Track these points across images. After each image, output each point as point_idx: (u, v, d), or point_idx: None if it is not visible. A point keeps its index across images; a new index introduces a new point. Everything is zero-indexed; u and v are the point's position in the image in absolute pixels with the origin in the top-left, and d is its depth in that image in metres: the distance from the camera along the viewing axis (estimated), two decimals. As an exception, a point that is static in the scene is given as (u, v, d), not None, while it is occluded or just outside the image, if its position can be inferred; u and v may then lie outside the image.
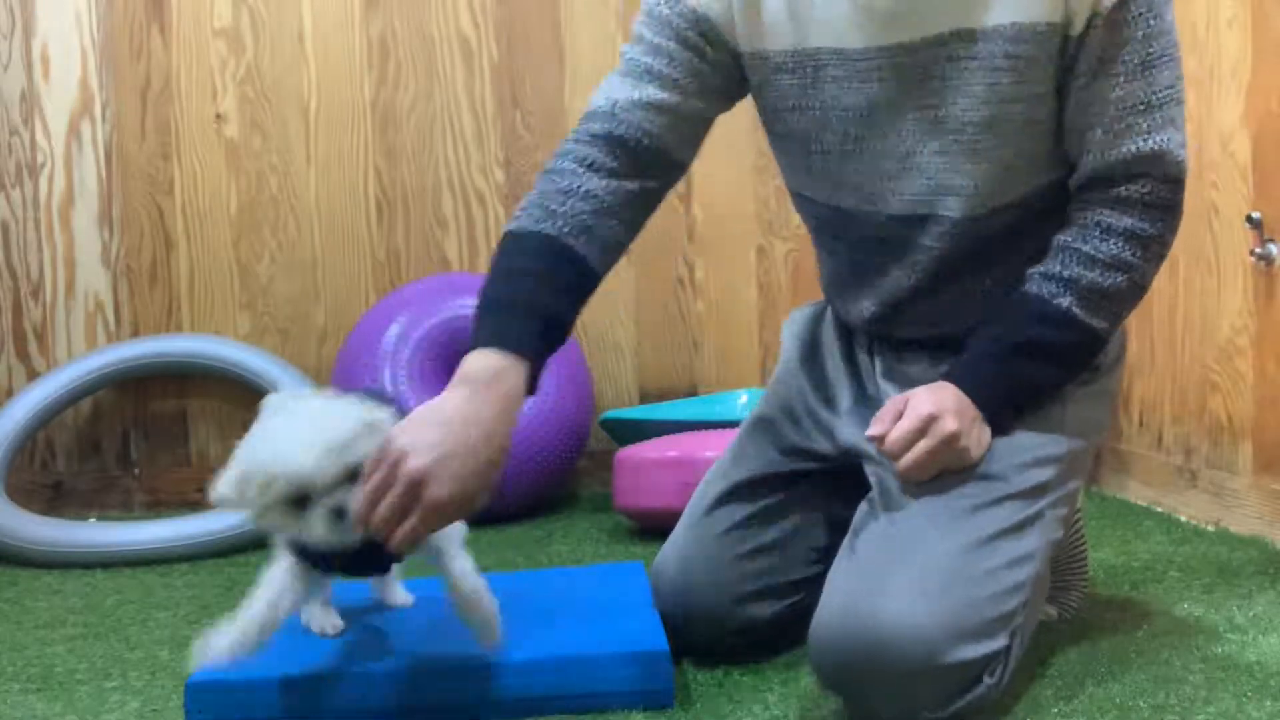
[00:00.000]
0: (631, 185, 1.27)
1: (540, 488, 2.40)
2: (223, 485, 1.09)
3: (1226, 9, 1.98)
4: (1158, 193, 1.27)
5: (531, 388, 1.19)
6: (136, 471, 2.66)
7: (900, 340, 1.38)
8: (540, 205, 1.25)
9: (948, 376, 1.24)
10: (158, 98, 2.64)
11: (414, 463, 1.08)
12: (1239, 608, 1.52)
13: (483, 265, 2.70)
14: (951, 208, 1.26)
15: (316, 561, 1.16)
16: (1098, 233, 1.24)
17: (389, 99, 2.67)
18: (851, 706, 1.18)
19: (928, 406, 1.19)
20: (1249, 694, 1.21)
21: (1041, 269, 1.25)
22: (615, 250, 1.28)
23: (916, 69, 1.23)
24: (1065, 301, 1.23)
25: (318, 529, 1.08)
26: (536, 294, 1.20)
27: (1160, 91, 1.25)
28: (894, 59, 1.23)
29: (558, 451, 2.39)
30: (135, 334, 2.65)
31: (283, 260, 2.67)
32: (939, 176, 1.26)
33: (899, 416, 1.21)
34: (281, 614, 1.13)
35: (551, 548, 2.12)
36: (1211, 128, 2.03)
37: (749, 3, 1.27)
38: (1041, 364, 1.25)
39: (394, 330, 2.39)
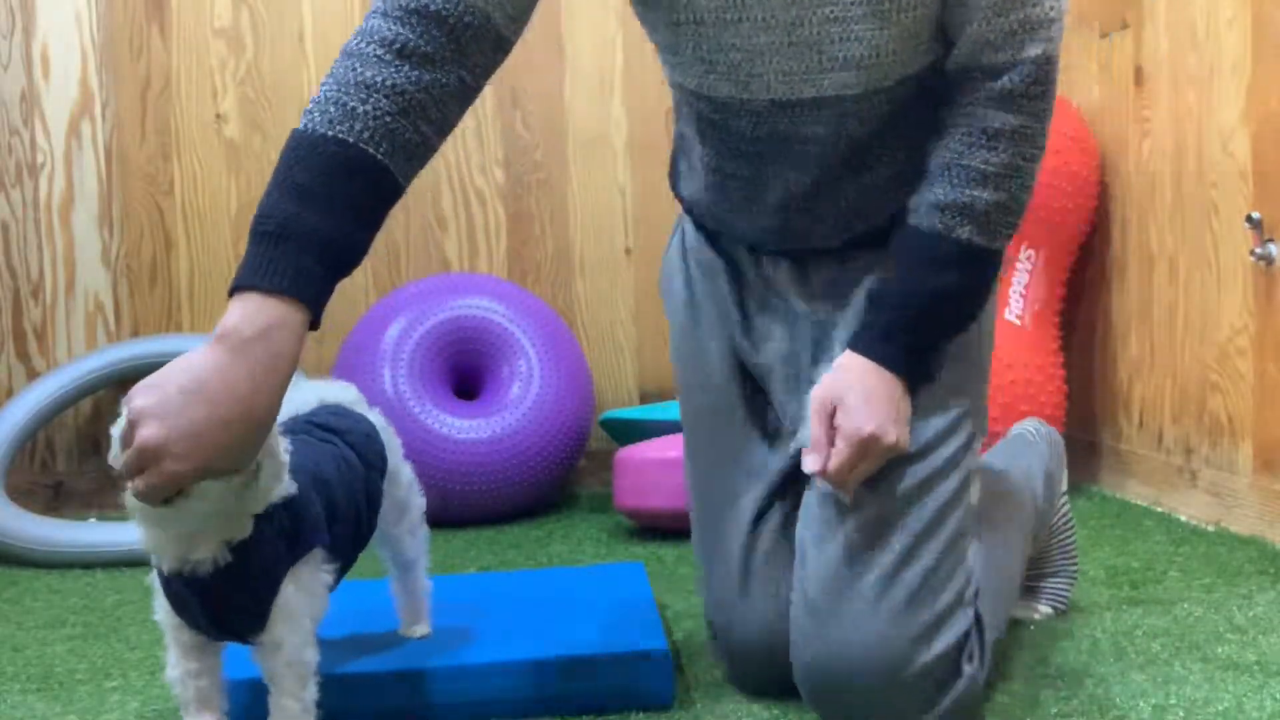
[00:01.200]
0: (447, 77, 1.06)
1: (540, 488, 2.40)
2: (111, 451, 0.98)
3: (1226, 9, 1.98)
4: (1037, 76, 1.13)
5: (314, 325, 1.00)
6: (136, 471, 2.65)
7: (803, 253, 1.29)
8: (337, 101, 1.03)
9: (862, 350, 1.18)
10: (158, 98, 2.64)
11: (147, 432, 0.92)
12: (1239, 608, 1.53)
13: (483, 265, 2.70)
14: (849, 84, 1.14)
15: (184, 616, 1.05)
16: (984, 140, 1.15)
17: (389, 99, 2.67)
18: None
19: (865, 424, 1.14)
20: (1249, 694, 1.21)
21: (932, 197, 1.17)
22: (423, 157, 1.08)
23: None
24: (965, 233, 1.16)
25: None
26: (323, 219, 0.99)
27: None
28: None
29: (558, 451, 2.39)
30: (135, 334, 2.65)
31: (283, 260, 2.66)
32: (831, 48, 1.12)
33: (830, 432, 1.17)
34: (195, 686, 1.06)
35: (551, 548, 2.12)
36: (1211, 128, 2.03)
37: None
38: (954, 307, 1.19)
39: (394, 330, 2.39)
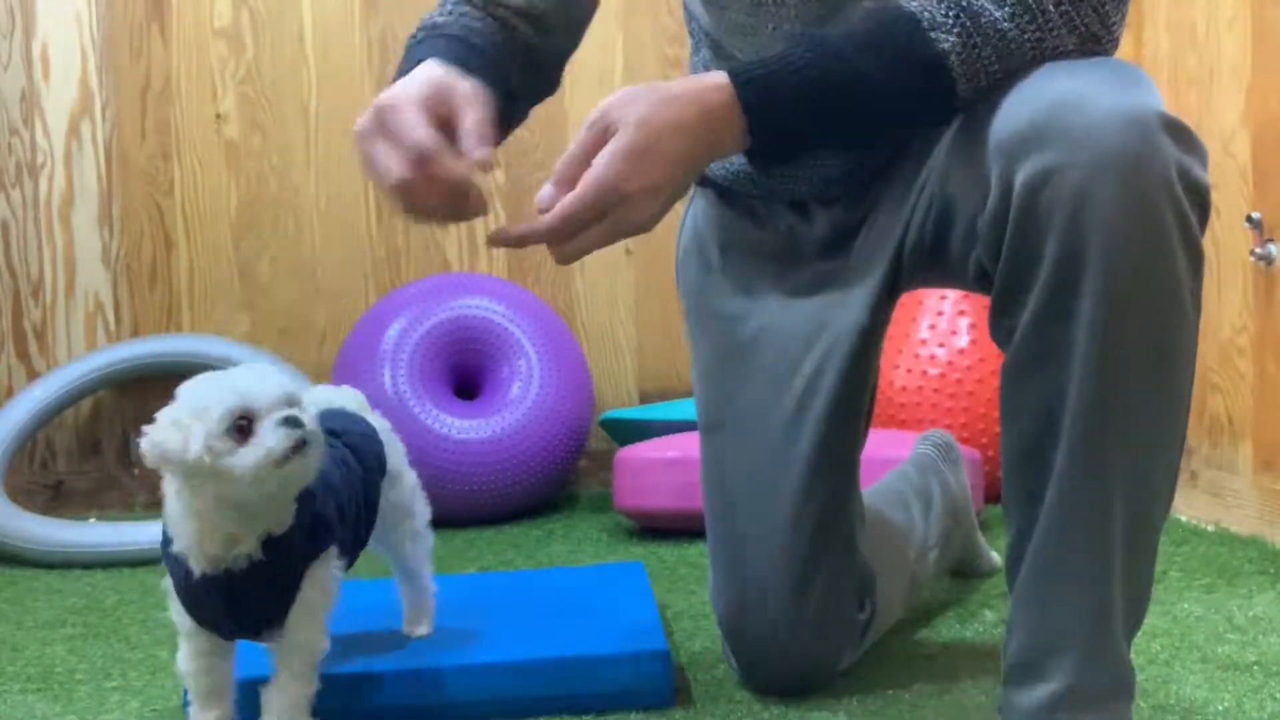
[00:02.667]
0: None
1: (540, 488, 2.40)
2: (157, 432, 1.01)
3: (1226, 9, 1.98)
4: None
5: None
6: (136, 471, 2.65)
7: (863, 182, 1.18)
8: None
9: (735, 74, 0.95)
10: (158, 98, 2.64)
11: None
12: (1239, 608, 1.52)
13: (483, 265, 2.70)
14: None
15: (204, 618, 1.08)
16: None
17: (389, 99, 2.67)
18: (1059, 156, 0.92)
19: (625, 182, 0.91)
20: (1249, 694, 1.21)
21: None
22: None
23: None
24: (946, 43, 0.95)
25: (268, 439, 0.99)
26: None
27: None
28: None
29: (558, 451, 2.39)
30: (135, 334, 2.64)
31: (283, 260, 2.67)
32: None
33: (583, 166, 0.93)
34: (209, 680, 1.09)
35: (551, 548, 2.12)
36: (1211, 128, 2.03)
37: None
38: (864, 113, 0.97)
39: (394, 330, 2.39)
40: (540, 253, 2.72)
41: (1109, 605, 0.97)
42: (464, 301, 2.43)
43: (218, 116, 2.65)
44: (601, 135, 0.93)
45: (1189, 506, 2.11)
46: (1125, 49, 2.30)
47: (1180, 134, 0.91)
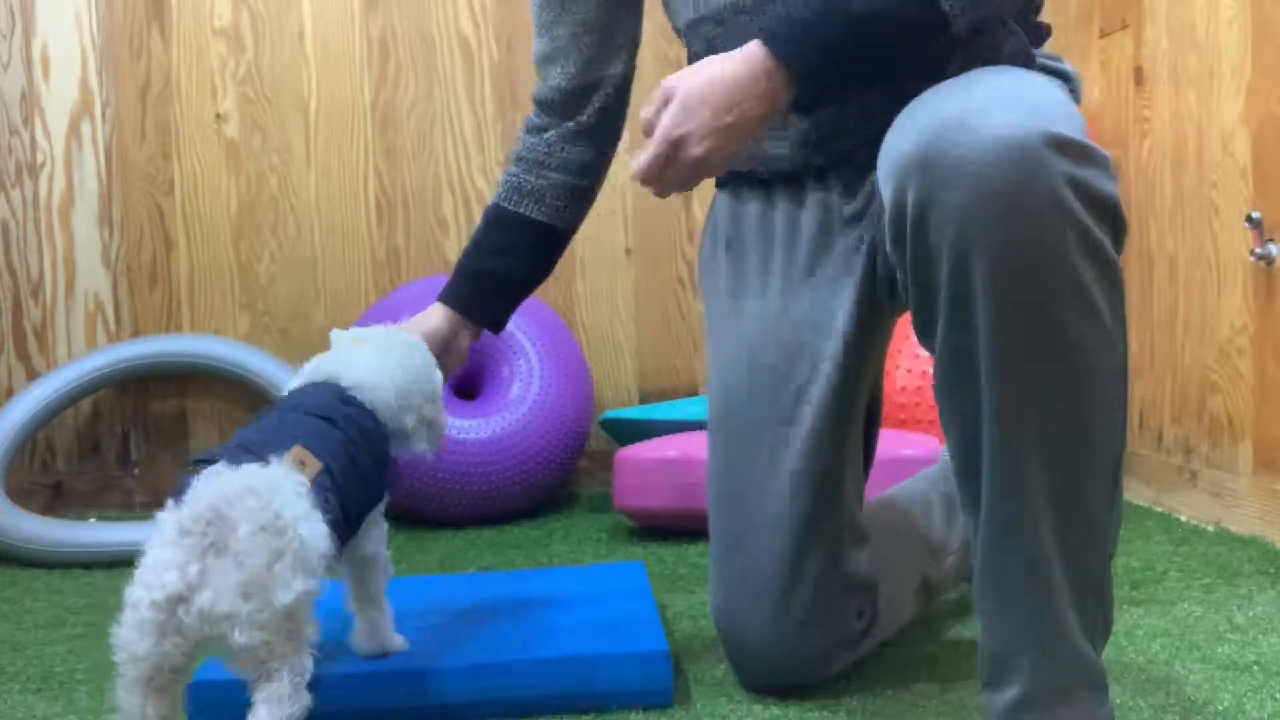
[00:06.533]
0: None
1: (540, 488, 2.40)
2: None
3: (1226, 9, 1.98)
4: None
5: None
6: (136, 471, 2.66)
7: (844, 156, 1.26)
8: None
9: (767, 39, 1.08)
10: (158, 98, 2.64)
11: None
12: (1239, 608, 1.53)
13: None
14: None
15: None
16: None
17: (389, 99, 2.67)
18: (947, 183, 0.97)
19: (674, 126, 1.08)
20: (1249, 694, 1.21)
21: None
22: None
23: None
24: None
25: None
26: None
27: None
28: None
29: (558, 451, 2.39)
30: (135, 334, 2.65)
31: (283, 260, 2.67)
32: None
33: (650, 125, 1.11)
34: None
35: (551, 548, 2.12)
36: (1211, 128, 2.03)
37: None
38: (881, 42, 1.08)
39: (394, 330, 2.39)
40: (540, 253, 2.73)
41: (1057, 610, 0.99)
42: (464, 301, 2.43)
43: (218, 116, 2.65)
44: (664, 100, 1.10)
45: (1189, 506, 2.11)
46: (1126, 49, 2.31)
47: (1072, 149, 0.93)
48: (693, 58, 1.34)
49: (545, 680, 1.23)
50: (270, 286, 2.66)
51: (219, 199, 2.66)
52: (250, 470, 0.98)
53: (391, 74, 2.67)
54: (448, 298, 1.41)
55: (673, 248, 2.71)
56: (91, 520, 2.46)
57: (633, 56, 1.43)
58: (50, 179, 2.63)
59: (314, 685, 1.03)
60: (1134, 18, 2.28)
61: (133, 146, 2.64)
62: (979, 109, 0.94)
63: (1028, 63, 1.20)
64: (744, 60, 1.08)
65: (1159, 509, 2.19)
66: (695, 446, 2.12)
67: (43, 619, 1.76)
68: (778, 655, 1.25)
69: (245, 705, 0.99)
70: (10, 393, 2.58)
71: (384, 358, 1.23)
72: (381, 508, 1.23)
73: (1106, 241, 0.96)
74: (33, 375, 2.60)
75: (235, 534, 0.93)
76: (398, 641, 1.28)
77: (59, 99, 2.63)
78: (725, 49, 1.12)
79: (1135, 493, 2.30)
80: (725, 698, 1.27)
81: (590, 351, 2.69)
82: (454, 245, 2.69)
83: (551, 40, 1.39)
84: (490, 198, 2.73)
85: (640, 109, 1.12)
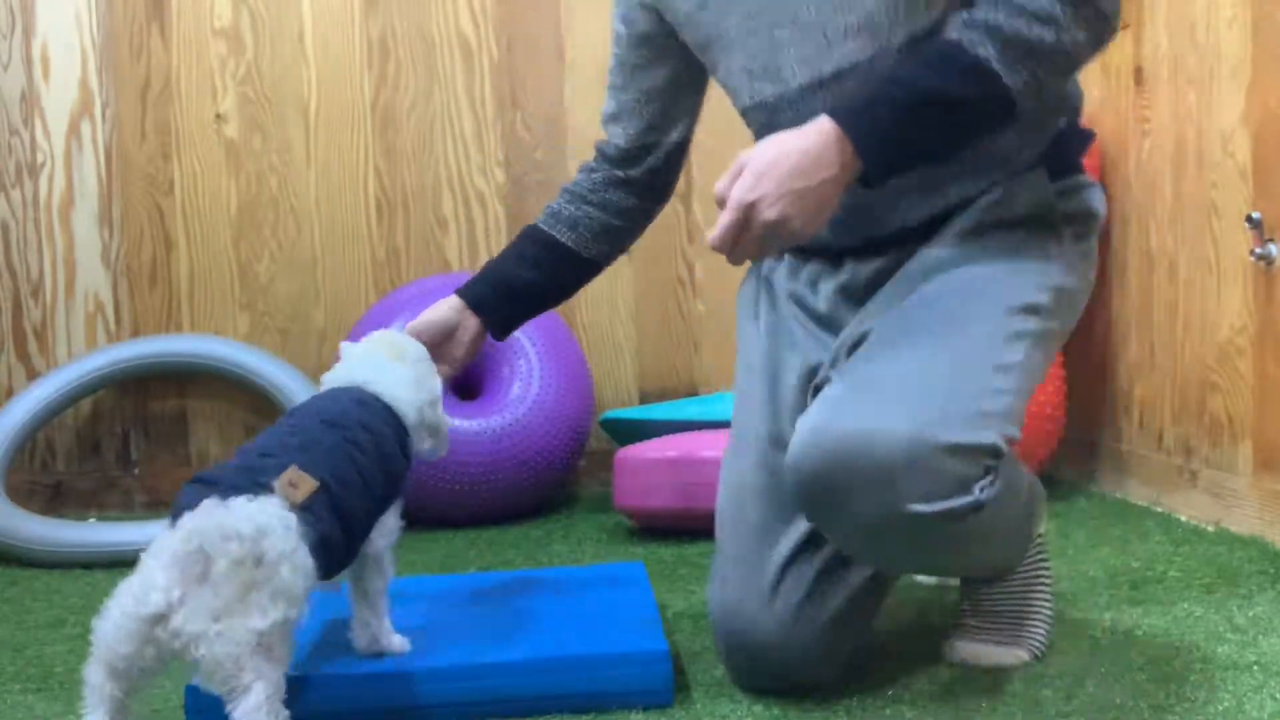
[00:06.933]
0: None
1: (540, 488, 2.40)
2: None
3: (1226, 9, 1.98)
4: None
5: None
6: (136, 471, 2.66)
7: (859, 248, 1.35)
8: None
9: (835, 113, 1.15)
10: (158, 98, 2.64)
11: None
12: (1239, 608, 1.53)
13: (483, 265, 2.70)
14: (859, 51, 1.24)
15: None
16: None
17: (389, 99, 2.67)
18: (832, 523, 1.16)
19: (747, 191, 1.13)
20: (1249, 694, 1.21)
21: (965, 15, 1.17)
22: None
23: None
24: (984, 51, 1.14)
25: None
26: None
27: None
28: None
29: (558, 451, 2.39)
30: (135, 334, 2.65)
31: (283, 260, 2.67)
32: (833, 20, 1.25)
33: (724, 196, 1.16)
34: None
35: (551, 548, 2.12)
36: (1211, 128, 2.03)
37: None
38: (943, 120, 1.16)
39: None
40: (540, 253, 2.72)
41: None
42: (464, 301, 2.43)
43: (218, 116, 2.65)
44: (737, 171, 1.15)
45: (1189, 506, 2.11)
46: (1126, 49, 2.31)
47: (954, 452, 1.11)
48: (755, 138, 1.40)
49: (545, 680, 1.23)
50: (270, 286, 2.66)
51: (219, 199, 2.66)
52: (239, 509, 1.04)
53: (391, 74, 2.67)
54: (463, 290, 1.51)
55: (673, 248, 2.71)
56: (91, 520, 2.46)
57: (691, 126, 1.52)
58: (50, 179, 2.63)
59: (302, 688, 1.06)
60: (1134, 18, 2.28)
61: (133, 146, 2.64)
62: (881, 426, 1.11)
63: (1070, 114, 1.32)
64: (814, 133, 1.14)
65: (1159, 509, 2.19)
66: (695, 446, 2.12)
67: (43, 619, 1.76)
68: (769, 654, 1.26)
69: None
70: (10, 393, 2.58)
71: (399, 363, 1.33)
72: (398, 507, 1.28)
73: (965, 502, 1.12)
74: (33, 375, 2.61)
75: (215, 567, 1.01)
76: (398, 642, 1.28)
77: (59, 99, 2.63)
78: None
79: (1135, 493, 2.30)
80: (725, 698, 1.27)
81: (590, 351, 2.69)
82: (454, 245, 2.69)
83: (618, 103, 1.50)
84: (490, 197, 2.74)
85: (715, 183, 1.16)
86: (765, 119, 1.34)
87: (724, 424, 2.40)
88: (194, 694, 1.22)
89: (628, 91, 1.49)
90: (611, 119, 1.51)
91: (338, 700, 1.21)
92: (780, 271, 1.44)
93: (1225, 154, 1.99)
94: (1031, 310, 1.24)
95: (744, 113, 1.40)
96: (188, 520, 1.03)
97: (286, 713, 1.04)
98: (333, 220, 2.67)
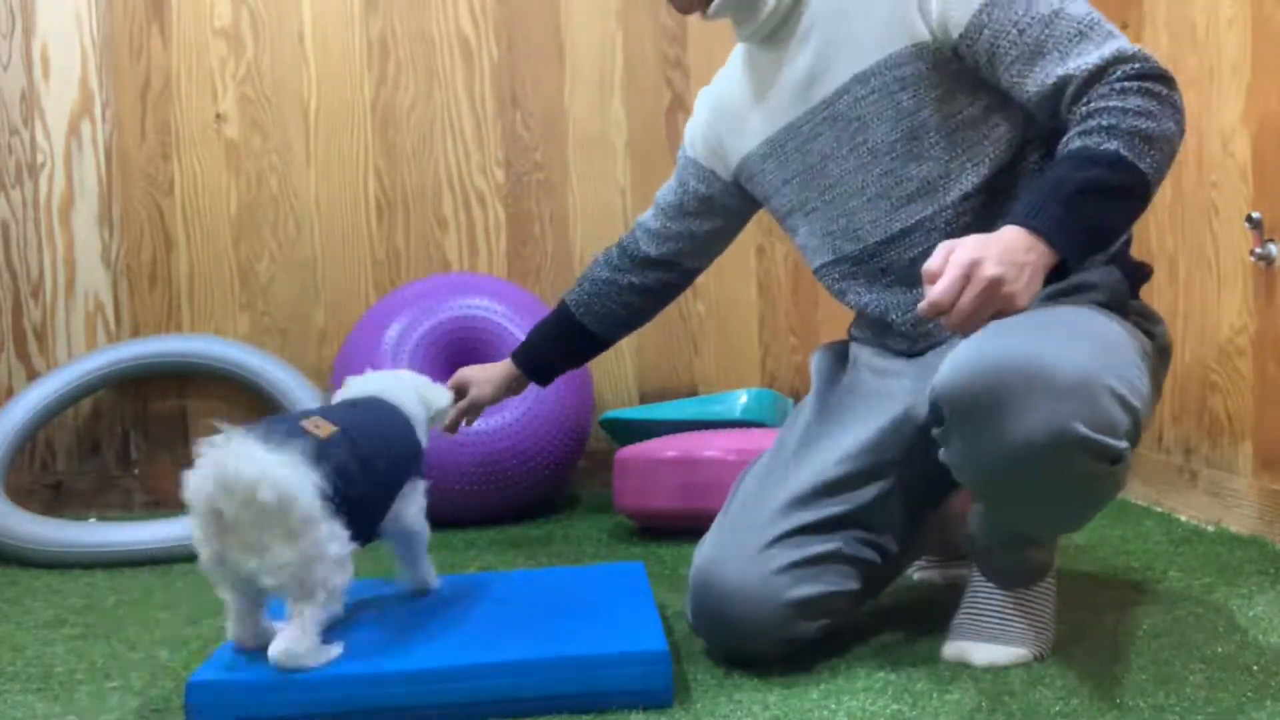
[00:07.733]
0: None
1: (540, 488, 2.40)
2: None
3: (1226, 9, 1.98)
4: (1145, 71, 1.29)
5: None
6: (136, 471, 2.66)
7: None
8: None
9: (1014, 219, 1.23)
10: (158, 98, 2.64)
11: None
12: (1239, 608, 1.53)
13: (482, 265, 2.71)
14: (922, 209, 1.43)
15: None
16: (1115, 98, 1.27)
17: (389, 99, 2.67)
18: (983, 435, 1.19)
19: (967, 254, 1.18)
20: (1249, 694, 1.21)
21: (1078, 129, 1.27)
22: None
23: (838, 118, 1.47)
24: (1112, 145, 1.24)
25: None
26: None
27: (1084, 19, 1.32)
28: (821, 115, 1.48)
29: (558, 451, 2.40)
30: (135, 334, 2.65)
31: (283, 260, 2.67)
32: (895, 190, 1.45)
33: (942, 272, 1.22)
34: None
35: (551, 548, 2.12)
36: (1211, 128, 2.03)
37: (728, 114, 1.60)
38: (1104, 203, 1.25)
39: (394, 330, 2.39)
40: (539, 253, 2.73)
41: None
42: (464, 301, 2.43)
43: (218, 116, 2.65)
44: (946, 253, 1.19)
45: (1189, 506, 2.11)
46: (1125, 49, 2.30)
47: (1117, 398, 1.17)
48: (835, 293, 1.57)
49: (545, 680, 1.23)
50: (270, 286, 2.66)
51: (219, 199, 2.66)
52: (249, 453, 1.17)
53: (391, 74, 2.67)
54: (514, 355, 1.87)
55: (673, 248, 2.71)
56: (91, 520, 2.46)
57: (711, 260, 1.76)
58: (50, 179, 2.63)
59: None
60: (1134, 18, 2.28)
61: (133, 146, 2.65)
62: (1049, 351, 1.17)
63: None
64: (1005, 233, 1.21)
65: (1159, 509, 2.19)
66: (695, 446, 2.12)
67: (43, 619, 1.76)
68: (736, 616, 1.34)
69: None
70: (10, 393, 2.58)
71: (397, 378, 1.57)
72: (421, 486, 1.50)
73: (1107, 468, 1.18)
74: (33, 375, 2.61)
75: (227, 515, 1.17)
76: (433, 578, 1.55)
77: (59, 99, 2.63)
78: (858, 286, 1.50)
79: (1135, 493, 2.30)
80: (725, 698, 1.27)
81: (590, 351, 2.69)
82: (453, 244, 2.69)
83: (662, 226, 1.73)
84: (489, 197, 2.75)
85: (923, 267, 1.21)
86: (849, 269, 1.52)
87: (724, 424, 2.40)
88: (194, 693, 1.21)
89: (675, 223, 1.72)
90: (649, 232, 1.74)
91: (337, 701, 1.21)
92: (865, 352, 1.56)
93: (1225, 154, 1.99)
94: (1144, 353, 1.31)
95: (825, 266, 1.55)
96: (193, 477, 1.18)
97: (321, 646, 1.22)
98: (333, 220, 2.67)
